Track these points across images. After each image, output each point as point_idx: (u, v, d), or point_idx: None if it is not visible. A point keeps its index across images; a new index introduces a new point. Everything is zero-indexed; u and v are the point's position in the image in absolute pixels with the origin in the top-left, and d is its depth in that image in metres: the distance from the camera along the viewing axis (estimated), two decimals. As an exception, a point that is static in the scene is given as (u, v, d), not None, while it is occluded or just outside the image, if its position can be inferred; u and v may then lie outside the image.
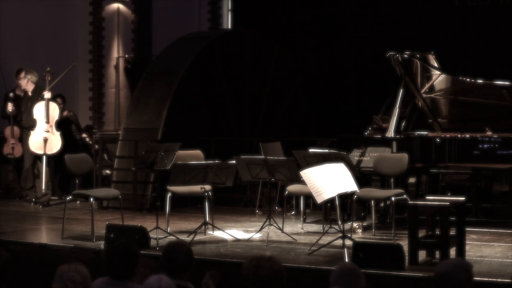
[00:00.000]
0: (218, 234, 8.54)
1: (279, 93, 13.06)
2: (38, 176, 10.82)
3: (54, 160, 10.88)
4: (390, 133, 9.01)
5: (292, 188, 8.86)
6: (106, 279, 4.37)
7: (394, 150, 8.75)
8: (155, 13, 14.67)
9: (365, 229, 8.68)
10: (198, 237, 8.26)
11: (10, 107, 10.89)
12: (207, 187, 8.50)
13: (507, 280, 6.20)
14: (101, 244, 7.66)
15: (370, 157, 8.80)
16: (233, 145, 11.91)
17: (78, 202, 10.51)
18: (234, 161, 8.23)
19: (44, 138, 10.49)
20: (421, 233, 6.94)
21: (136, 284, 4.40)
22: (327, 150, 8.36)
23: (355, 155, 8.86)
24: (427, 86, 9.26)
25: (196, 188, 8.46)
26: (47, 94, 10.54)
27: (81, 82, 13.66)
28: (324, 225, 8.69)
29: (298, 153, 8.33)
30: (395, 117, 9.07)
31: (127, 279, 4.37)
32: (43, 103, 10.57)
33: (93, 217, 8.29)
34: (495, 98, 8.99)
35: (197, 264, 4.52)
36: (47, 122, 10.52)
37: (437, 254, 6.72)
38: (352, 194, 7.96)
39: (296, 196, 9.71)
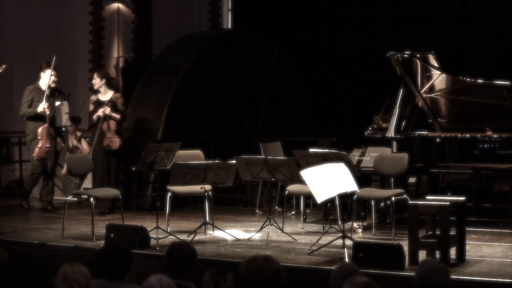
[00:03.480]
0: (218, 234, 8.54)
1: (279, 93, 13.06)
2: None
3: None
4: (390, 133, 9.01)
5: (292, 188, 8.85)
6: (100, 280, 4.35)
7: (394, 150, 8.75)
8: (155, 13, 14.67)
9: (365, 229, 8.68)
10: (198, 237, 8.26)
11: None
12: (207, 187, 8.50)
13: (507, 280, 6.21)
14: (101, 244, 7.66)
15: (370, 157, 8.80)
16: (233, 145, 11.91)
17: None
18: (234, 161, 8.23)
19: None
20: (421, 233, 6.93)
21: (130, 285, 4.40)
22: (327, 150, 8.36)
23: (355, 155, 8.86)
24: (427, 86, 9.26)
25: (196, 188, 8.46)
26: None
27: (81, 82, 13.66)
28: (324, 225, 8.69)
29: (298, 153, 8.33)
30: (395, 117, 9.07)
31: (121, 279, 4.37)
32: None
33: (93, 217, 8.30)
34: (495, 98, 8.99)
35: (199, 265, 4.51)
36: None
37: (437, 254, 6.72)
38: (352, 194, 7.96)
39: (296, 196, 9.71)
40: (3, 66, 10.27)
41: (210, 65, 11.93)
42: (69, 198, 8.78)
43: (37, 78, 10.31)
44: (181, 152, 8.73)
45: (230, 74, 12.24)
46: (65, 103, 10.50)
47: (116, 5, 14.10)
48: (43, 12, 13.04)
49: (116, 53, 14.10)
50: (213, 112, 11.94)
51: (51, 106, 10.17)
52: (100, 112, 9.99)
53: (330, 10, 13.93)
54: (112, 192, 8.85)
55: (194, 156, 9.21)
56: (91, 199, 8.32)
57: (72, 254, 7.59)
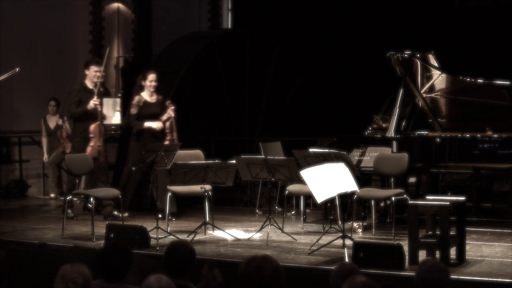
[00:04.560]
0: (218, 234, 8.54)
1: (279, 93, 13.06)
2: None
3: None
4: (390, 133, 9.01)
5: (292, 187, 8.86)
6: (100, 281, 4.33)
7: (394, 150, 8.75)
8: (155, 13, 14.67)
9: (365, 229, 8.68)
10: (198, 237, 8.26)
11: None
12: (207, 187, 8.50)
13: (507, 280, 6.21)
14: (101, 244, 7.66)
15: (370, 157, 8.80)
16: (233, 145, 11.91)
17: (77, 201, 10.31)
18: (234, 161, 8.23)
19: None
20: (421, 233, 6.93)
21: (130, 286, 4.39)
22: (327, 150, 8.36)
23: (355, 155, 8.86)
24: (427, 85, 9.26)
25: (196, 188, 8.47)
26: None
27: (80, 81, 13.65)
28: (324, 225, 8.69)
29: (298, 153, 8.33)
30: (395, 117, 9.08)
31: (121, 280, 4.35)
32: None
33: (93, 217, 8.30)
34: (495, 97, 8.99)
35: (199, 264, 4.51)
36: None
37: (437, 254, 6.72)
38: (352, 194, 7.96)
39: (296, 195, 9.71)
40: (16, 69, 10.03)
41: (210, 65, 11.93)
42: (69, 197, 8.76)
43: (83, 76, 9.85)
44: (181, 152, 8.73)
45: (230, 74, 12.24)
46: (118, 100, 9.88)
47: (116, 5, 14.10)
48: (43, 12, 13.03)
49: (116, 53, 14.10)
50: (213, 112, 11.94)
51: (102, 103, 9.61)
52: (170, 113, 9.55)
53: (330, 10, 13.92)
54: (112, 192, 8.84)
55: (194, 156, 9.21)
56: (91, 199, 8.33)
57: (72, 254, 7.59)
